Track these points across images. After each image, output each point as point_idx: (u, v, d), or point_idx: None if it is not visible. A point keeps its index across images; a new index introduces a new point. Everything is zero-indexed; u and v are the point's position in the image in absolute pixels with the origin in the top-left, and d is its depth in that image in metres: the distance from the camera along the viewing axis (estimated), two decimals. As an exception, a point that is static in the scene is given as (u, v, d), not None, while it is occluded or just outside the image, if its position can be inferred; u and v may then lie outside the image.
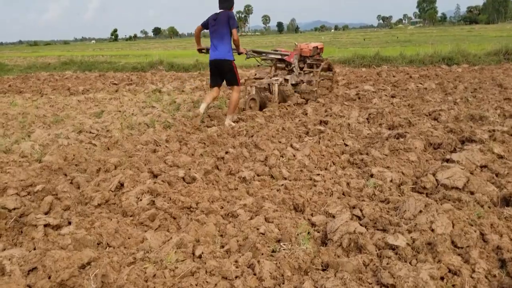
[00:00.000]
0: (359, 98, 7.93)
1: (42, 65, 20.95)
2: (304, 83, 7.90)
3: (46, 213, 3.34)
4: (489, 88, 8.27)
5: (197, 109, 6.81)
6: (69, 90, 11.25)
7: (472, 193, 3.33)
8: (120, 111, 7.72)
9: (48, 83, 13.02)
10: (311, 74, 8.01)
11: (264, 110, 7.07)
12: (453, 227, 2.74)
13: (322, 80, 8.63)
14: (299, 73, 7.96)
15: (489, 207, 3.16)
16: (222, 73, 6.50)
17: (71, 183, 3.96)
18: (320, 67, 7.93)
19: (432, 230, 2.68)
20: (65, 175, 4.28)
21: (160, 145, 5.33)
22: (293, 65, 7.91)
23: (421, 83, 9.52)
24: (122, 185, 3.76)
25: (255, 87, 7.43)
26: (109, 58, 24.09)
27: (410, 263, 2.42)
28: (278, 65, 8.18)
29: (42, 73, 16.78)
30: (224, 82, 6.71)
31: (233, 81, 6.55)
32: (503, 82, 8.64)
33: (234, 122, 6.44)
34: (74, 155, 4.94)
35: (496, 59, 13.36)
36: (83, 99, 9.51)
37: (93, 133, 5.98)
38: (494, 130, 4.75)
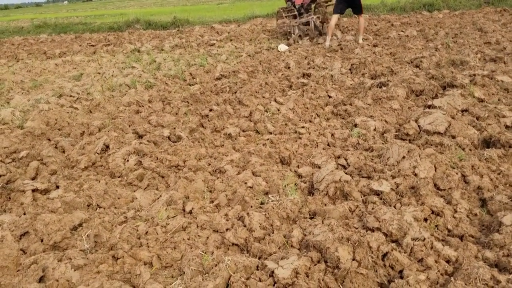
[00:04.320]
0: (341, 49, 7.88)
1: (15, 29, 20.22)
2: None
3: (33, 179, 3.34)
4: (470, 32, 8.26)
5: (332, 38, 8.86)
6: (45, 54, 10.93)
7: (453, 137, 3.39)
8: (99, 73, 7.56)
9: (23, 48, 12.62)
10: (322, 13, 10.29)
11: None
12: (435, 170, 2.81)
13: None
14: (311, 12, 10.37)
15: (470, 150, 3.25)
16: (353, 5, 8.41)
17: (55, 147, 3.93)
18: (328, 6, 10.13)
19: (415, 175, 2.75)
20: (49, 140, 4.25)
21: (143, 106, 5.28)
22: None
23: (402, 31, 9.47)
24: (107, 147, 3.75)
25: (297, 25, 9.70)
26: (84, 19, 23.28)
27: (394, 207, 2.50)
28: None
29: (16, 37, 16.20)
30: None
31: (361, 10, 8.45)
32: (483, 26, 8.62)
33: (363, 40, 8.51)
34: (56, 120, 4.88)
35: (476, 3, 13.25)
36: (60, 62, 9.28)
37: (73, 97, 5.87)
38: (474, 75, 4.78)
